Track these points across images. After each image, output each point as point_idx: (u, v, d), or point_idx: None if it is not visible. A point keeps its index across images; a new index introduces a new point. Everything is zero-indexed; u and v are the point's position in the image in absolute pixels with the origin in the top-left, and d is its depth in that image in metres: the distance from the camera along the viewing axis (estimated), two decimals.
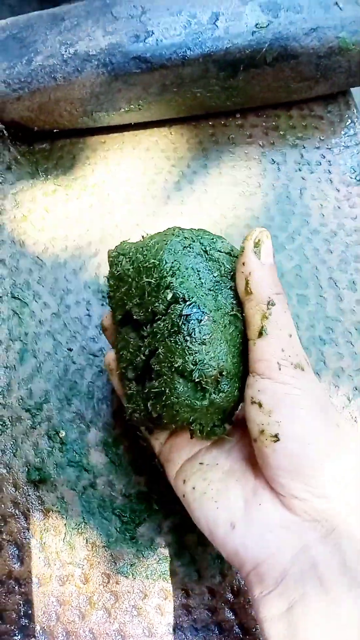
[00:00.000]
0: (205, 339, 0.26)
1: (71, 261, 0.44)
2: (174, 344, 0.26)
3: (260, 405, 0.26)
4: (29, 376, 0.40)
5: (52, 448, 0.38)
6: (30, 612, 0.34)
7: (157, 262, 0.27)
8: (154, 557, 0.35)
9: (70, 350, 0.41)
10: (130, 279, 0.29)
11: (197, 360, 0.26)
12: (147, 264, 0.28)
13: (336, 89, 0.50)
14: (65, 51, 0.43)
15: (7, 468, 0.37)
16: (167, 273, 0.27)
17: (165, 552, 0.35)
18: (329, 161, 0.49)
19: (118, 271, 0.30)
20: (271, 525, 0.25)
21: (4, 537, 0.35)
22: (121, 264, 0.30)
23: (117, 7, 0.44)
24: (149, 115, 0.48)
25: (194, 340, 0.26)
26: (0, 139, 0.49)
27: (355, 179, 0.48)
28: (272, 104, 0.51)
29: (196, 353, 0.26)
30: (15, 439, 0.38)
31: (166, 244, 0.28)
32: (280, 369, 0.26)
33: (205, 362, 0.26)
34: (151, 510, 0.36)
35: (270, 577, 0.25)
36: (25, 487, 0.37)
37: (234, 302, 0.28)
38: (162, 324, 0.27)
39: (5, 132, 0.49)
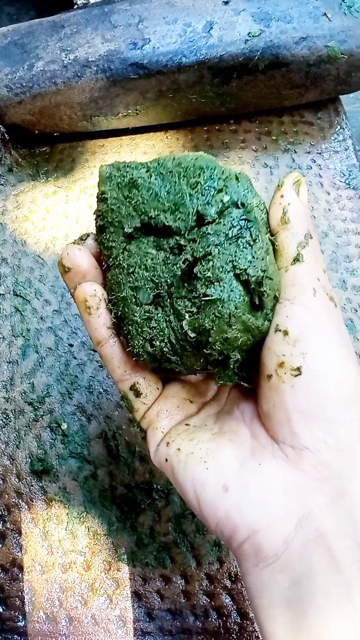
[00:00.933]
0: (268, 249, 0.24)
1: None
2: (237, 248, 0.23)
3: (285, 333, 0.23)
4: (31, 371, 0.41)
5: (54, 440, 0.39)
6: (33, 598, 0.34)
7: (205, 166, 0.24)
8: (154, 544, 0.36)
9: (71, 345, 0.42)
10: (151, 185, 0.25)
11: (263, 268, 0.23)
12: (184, 167, 0.24)
13: (326, 96, 0.52)
14: (66, 57, 0.44)
15: (11, 459, 0.38)
16: (217, 177, 0.24)
17: (164, 540, 0.36)
18: (320, 165, 0.51)
19: (126, 179, 0.25)
20: (272, 488, 0.22)
21: (8, 526, 0.36)
22: (127, 173, 0.25)
23: (115, 15, 0.45)
24: (146, 120, 0.49)
25: (258, 248, 0.23)
26: (2, 142, 0.51)
27: (345, 182, 0.50)
28: (265, 110, 0.52)
29: (262, 260, 0.23)
30: (19, 431, 0.39)
31: (200, 156, 0.25)
32: (315, 295, 0.23)
33: (269, 273, 0.23)
34: (150, 500, 0.37)
35: (269, 547, 0.21)
36: (28, 478, 0.38)
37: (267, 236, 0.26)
38: (216, 227, 0.23)
39: (6, 135, 0.50)
